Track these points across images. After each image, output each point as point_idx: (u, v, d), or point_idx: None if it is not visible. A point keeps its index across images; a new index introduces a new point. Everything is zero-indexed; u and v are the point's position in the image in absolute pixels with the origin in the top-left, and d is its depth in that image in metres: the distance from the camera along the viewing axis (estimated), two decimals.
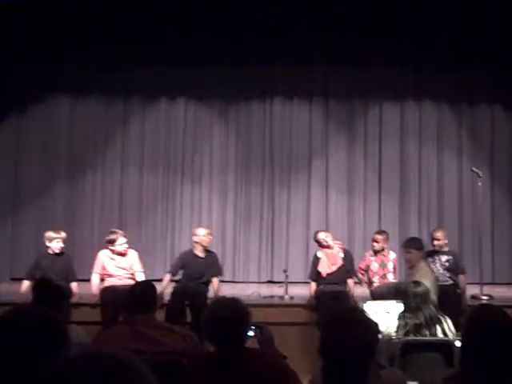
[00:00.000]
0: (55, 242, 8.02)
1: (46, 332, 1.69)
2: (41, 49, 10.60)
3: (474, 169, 9.24)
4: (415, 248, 7.40)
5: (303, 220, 11.06)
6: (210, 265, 8.14)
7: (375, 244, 8.34)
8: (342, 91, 11.07)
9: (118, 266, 8.03)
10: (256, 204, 11.08)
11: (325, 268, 8.14)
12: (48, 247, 8.07)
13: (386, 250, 8.37)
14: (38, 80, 10.74)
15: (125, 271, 8.02)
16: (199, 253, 8.20)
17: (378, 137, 11.23)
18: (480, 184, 9.05)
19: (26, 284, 7.85)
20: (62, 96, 10.90)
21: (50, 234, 8.13)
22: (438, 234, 8.35)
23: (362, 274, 8.35)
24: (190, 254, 8.29)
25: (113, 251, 8.09)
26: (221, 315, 3.50)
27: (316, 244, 8.40)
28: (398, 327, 5.13)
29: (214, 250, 8.48)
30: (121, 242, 8.11)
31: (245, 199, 11.10)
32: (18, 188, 10.80)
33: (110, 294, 7.60)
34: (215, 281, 8.12)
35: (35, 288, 4.78)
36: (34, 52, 10.60)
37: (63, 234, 8.16)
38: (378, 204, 11.15)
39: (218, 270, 8.29)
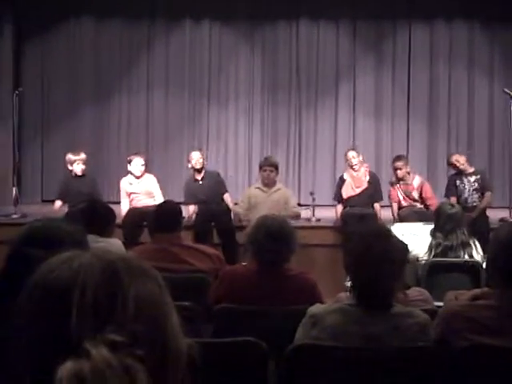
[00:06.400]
0: (76, 165, 8.04)
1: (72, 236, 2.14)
2: None
3: (506, 90, 8.97)
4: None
5: (330, 142, 10.95)
6: (211, 186, 8.13)
7: (398, 172, 8.05)
8: (370, 11, 10.76)
9: (134, 190, 8.04)
10: (283, 126, 10.98)
11: (348, 190, 8.09)
12: (71, 170, 8.11)
13: (407, 177, 8.18)
14: (61, 1, 10.57)
15: (139, 195, 8.01)
16: (197, 176, 8.21)
17: (407, 58, 10.96)
18: None
19: (58, 203, 8.03)
20: (85, 18, 10.73)
21: (69, 156, 8.15)
22: (460, 159, 8.15)
23: (398, 201, 8.11)
24: (190, 180, 8.30)
25: (131, 173, 8.10)
26: (269, 231, 3.49)
27: (342, 166, 8.32)
28: (430, 245, 5.10)
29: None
30: (135, 163, 8.08)
31: (271, 122, 10.99)
32: (46, 111, 10.76)
33: (130, 216, 7.66)
34: (226, 197, 8.16)
35: (87, 208, 4.85)
36: None
37: (83, 156, 8.13)
38: (406, 127, 10.97)
39: (221, 188, 8.27)
